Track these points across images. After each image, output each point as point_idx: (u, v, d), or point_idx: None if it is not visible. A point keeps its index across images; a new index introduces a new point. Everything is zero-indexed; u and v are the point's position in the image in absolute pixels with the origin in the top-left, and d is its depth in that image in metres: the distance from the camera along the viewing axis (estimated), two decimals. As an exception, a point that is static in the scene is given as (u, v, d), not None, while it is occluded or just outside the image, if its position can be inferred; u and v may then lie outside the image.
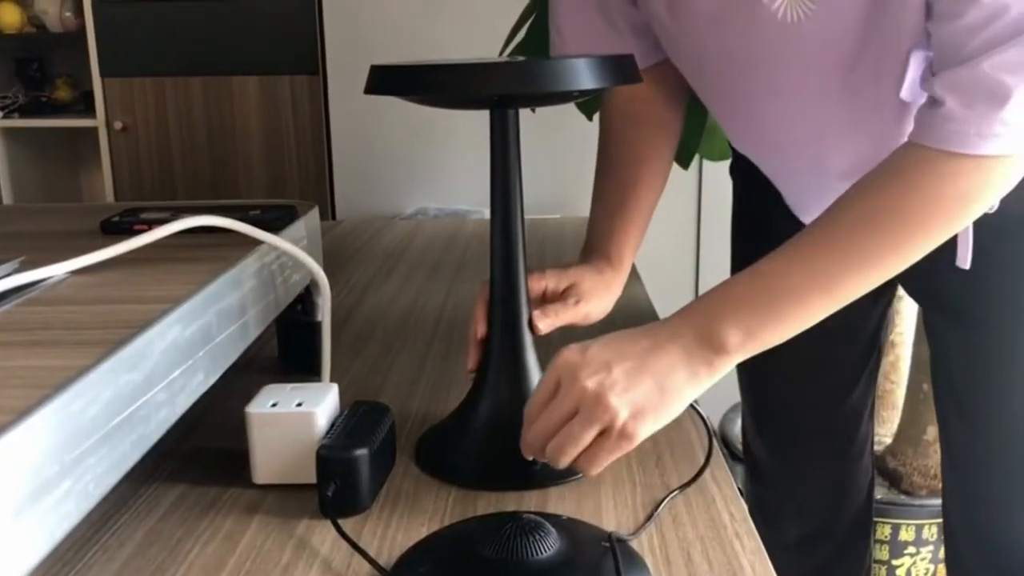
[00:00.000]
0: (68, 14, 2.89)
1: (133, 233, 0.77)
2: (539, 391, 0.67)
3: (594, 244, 0.92)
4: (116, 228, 0.83)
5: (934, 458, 1.64)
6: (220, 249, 0.75)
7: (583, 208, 0.97)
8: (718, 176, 1.66)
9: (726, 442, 1.89)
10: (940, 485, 1.74)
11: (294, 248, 0.79)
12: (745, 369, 1.11)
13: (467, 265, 1.38)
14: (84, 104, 3.00)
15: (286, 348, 0.97)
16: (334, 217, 2.66)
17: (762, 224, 1.06)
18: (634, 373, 0.64)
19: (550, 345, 1.02)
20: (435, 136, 2.58)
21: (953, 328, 0.93)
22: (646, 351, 0.65)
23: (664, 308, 0.88)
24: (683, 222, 2.47)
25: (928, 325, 0.99)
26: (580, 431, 0.63)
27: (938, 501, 1.79)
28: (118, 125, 2.76)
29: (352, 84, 2.60)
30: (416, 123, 2.52)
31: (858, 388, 1.11)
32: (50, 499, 0.42)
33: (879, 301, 1.07)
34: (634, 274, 1.17)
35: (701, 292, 2.49)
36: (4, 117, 2.95)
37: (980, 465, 0.94)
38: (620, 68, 0.66)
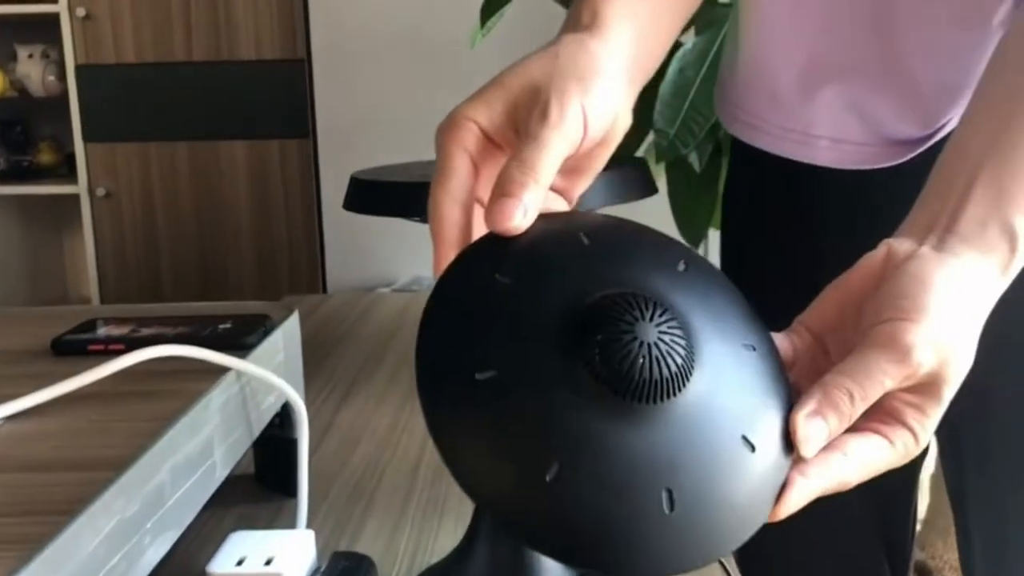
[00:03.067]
0: (51, 78, 2.83)
1: (86, 353, 0.72)
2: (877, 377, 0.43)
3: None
4: (68, 348, 0.75)
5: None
6: (181, 377, 0.66)
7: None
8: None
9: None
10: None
11: (267, 374, 0.71)
12: None
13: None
14: (68, 167, 2.93)
15: (262, 464, 0.88)
16: (324, 285, 2.58)
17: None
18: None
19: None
20: (428, 201, 2.52)
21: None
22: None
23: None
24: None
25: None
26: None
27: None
28: (101, 192, 2.69)
29: (343, 147, 2.54)
30: (409, 187, 2.47)
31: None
32: None
33: None
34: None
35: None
36: (-15, 183, 2.88)
37: None
38: (635, 182, 0.58)
